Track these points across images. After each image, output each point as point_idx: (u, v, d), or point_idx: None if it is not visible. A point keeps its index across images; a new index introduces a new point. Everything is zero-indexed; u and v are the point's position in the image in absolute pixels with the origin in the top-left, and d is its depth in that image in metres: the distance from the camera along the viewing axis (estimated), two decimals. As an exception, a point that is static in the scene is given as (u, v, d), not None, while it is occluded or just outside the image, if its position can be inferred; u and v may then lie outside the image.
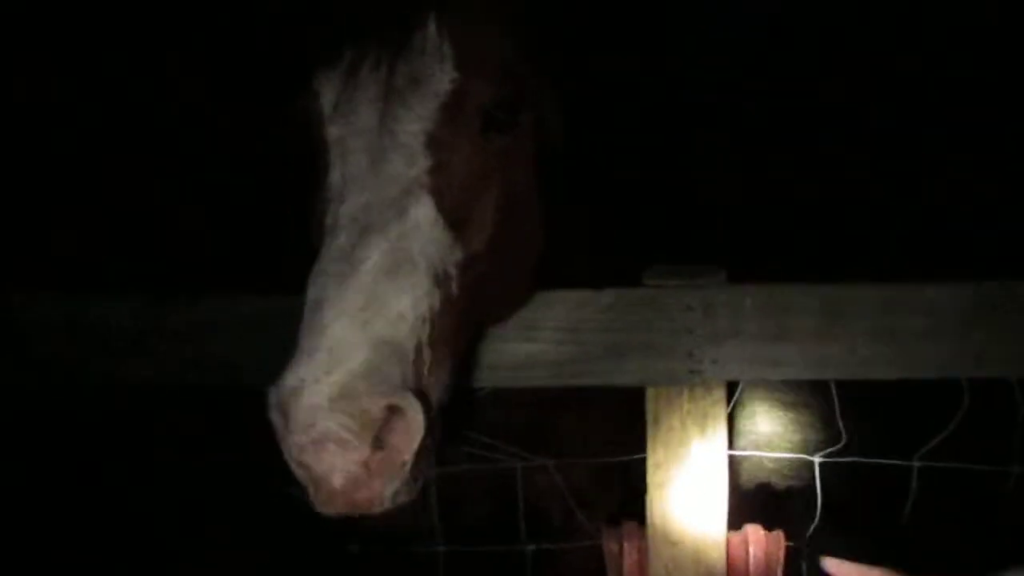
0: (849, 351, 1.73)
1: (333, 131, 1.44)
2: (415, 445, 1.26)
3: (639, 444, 1.82)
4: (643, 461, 1.82)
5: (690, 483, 1.81)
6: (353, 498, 1.26)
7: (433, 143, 1.41)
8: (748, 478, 1.86)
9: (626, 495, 1.94)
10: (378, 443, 1.24)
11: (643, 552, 1.89)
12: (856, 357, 1.73)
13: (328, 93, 1.47)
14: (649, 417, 1.78)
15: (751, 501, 1.74)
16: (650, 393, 1.77)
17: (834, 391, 1.76)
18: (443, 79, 1.43)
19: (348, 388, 1.21)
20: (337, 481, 1.22)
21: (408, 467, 1.28)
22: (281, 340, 1.73)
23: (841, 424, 1.77)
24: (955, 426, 1.69)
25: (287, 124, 1.56)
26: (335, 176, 1.43)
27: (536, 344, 1.75)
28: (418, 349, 1.30)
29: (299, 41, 1.57)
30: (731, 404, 1.81)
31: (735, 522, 1.86)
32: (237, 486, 2.38)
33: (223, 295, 1.81)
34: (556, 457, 1.98)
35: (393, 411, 1.25)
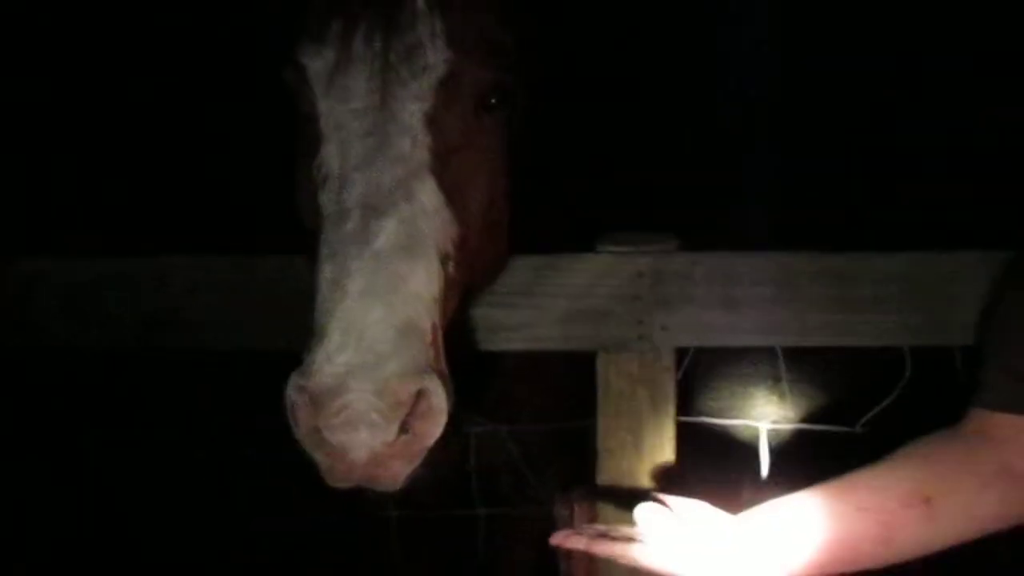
0: (798, 320, 1.75)
1: (325, 106, 1.42)
2: (438, 430, 1.29)
3: (590, 410, 1.83)
4: (593, 427, 1.83)
5: (639, 449, 1.83)
6: (372, 476, 1.28)
7: (432, 123, 1.41)
8: (697, 444, 1.88)
9: (577, 461, 1.95)
10: (403, 426, 1.26)
11: (593, 517, 1.91)
12: (805, 325, 1.75)
13: (317, 66, 1.44)
14: (599, 382, 1.80)
15: (700, 467, 1.75)
16: (600, 358, 1.78)
17: (781, 359, 1.78)
18: (438, 56, 1.42)
19: (379, 372, 1.22)
20: (360, 461, 1.24)
21: (427, 450, 1.30)
22: (248, 302, 1.77)
23: (787, 391, 1.79)
24: (897, 394, 1.72)
25: (267, 95, 1.54)
26: (330, 153, 1.41)
27: (493, 309, 1.76)
28: (434, 329, 1.32)
29: (282, 10, 1.54)
30: (680, 371, 1.82)
31: (684, 488, 1.88)
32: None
33: (189, 256, 1.80)
34: (508, 423, 1.99)
35: (420, 395, 1.26)
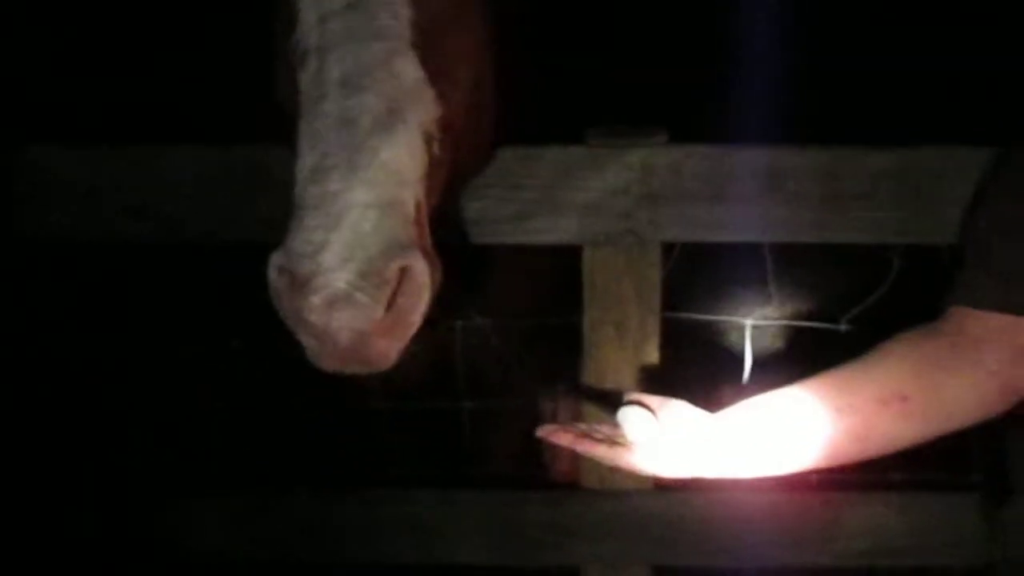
0: (788, 216, 1.74)
1: None
2: (422, 306, 1.27)
3: (576, 303, 1.83)
4: (579, 321, 1.84)
5: (623, 344, 1.83)
6: (360, 356, 1.26)
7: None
8: (683, 341, 1.89)
9: (562, 355, 1.96)
10: (388, 304, 1.24)
11: (577, 413, 1.93)
12: (794, 222, 1.74)
13: None
14: (585, 277, 1.79)
15: (685, 364, 1.75)
16: (586, 252, 1.77)
17: (767, 255, 1.77)
18: None
19: (361, 250, 1.20)
20: (346, 341, 1.22)
21: (414, 327, 1.29)
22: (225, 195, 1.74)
23: (772, 288, 1.79)
24: (883, 292, 1.72)
25: None
26: (307, 29, 1.34)
27: (478, 201, 1.74)
28: (418, 208, 1.29)
29: None
30: (667, 266, 1.82)
31: (667, 385, 1.90)
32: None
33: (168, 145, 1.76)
34: (494, 316, 2.00)
35: (403, 272, 1.24)
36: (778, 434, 1.41)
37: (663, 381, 1.85)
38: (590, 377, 1.86)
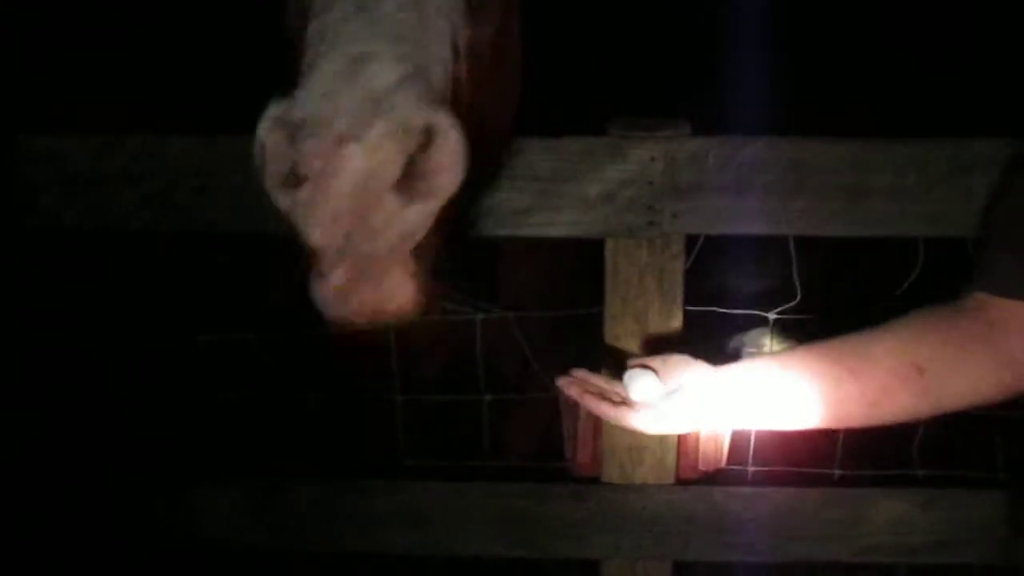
0: (812, 208, 1.72)
1: None
2: (456, 180, 1.03)
3: (598, 297, 1.82)
4: (601, 314, 1.83)
5: (645, 337, 1.82)
6: (378, 271, 1.03)
7: None
8: (703, 334, 1.88)
9: (583, 348, 1.95)
10: (406, 189, 1.00)
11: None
12: (818, 214, 1.73)
13: None
14: (607, 269, 1.78)
15: (705, 357, 1.74)
16: (609, 245, 1.76)
17: (792, 248, 1.76)
18: None
19: (385, 99, 0.98)
20: (347, 193, 0.95)
21: (434, 219, 1.06)
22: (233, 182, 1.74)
23: (797, 281, 1.78)
24: (909, 285, 1.70)
25: None
26: None
27: (500, 193, 1.72)
28: (449, 72, 1.10)
29: None
30: (690, 260, 1.81)
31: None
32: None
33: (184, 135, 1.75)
34: (513, 309, 1.99)
35: (430, 133, 1.01)
36: (783, 388, 1.44)
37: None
38: (610, 369, 1.85)
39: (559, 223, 1.74)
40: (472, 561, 2.12)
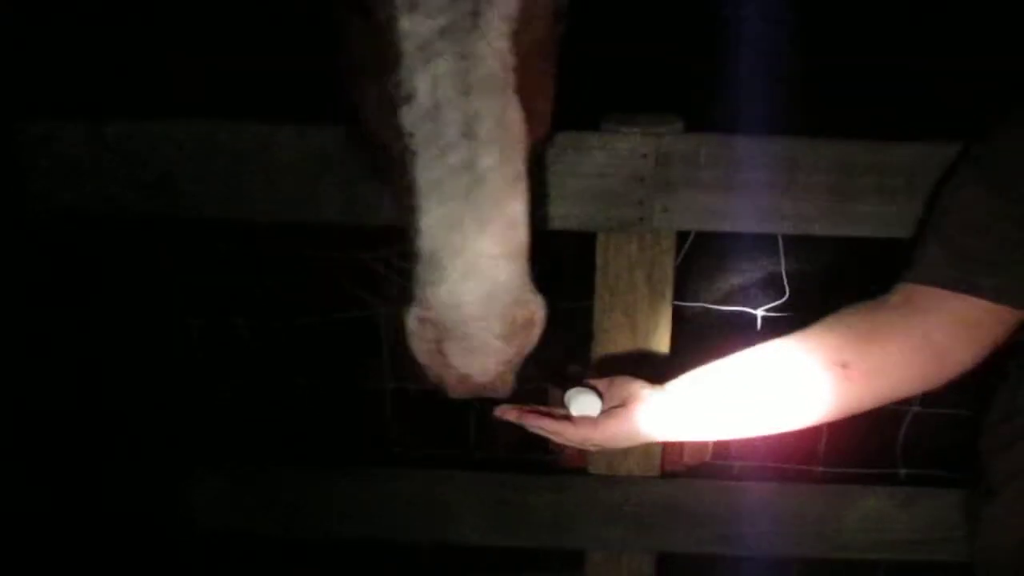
0: (800, 207, 1.74)
1: (409, 24, 1.33)
2: (537, 337, 1.38)
3: (588, 290, 1.84)
4: (590, 308, 1.85)
5: (634, 331, 1.84)
6: (488, 388, 1.38)
7: (517, 39, 1.35)
8: (692, 330, 1.90)
9: (572, 342, 1.97)
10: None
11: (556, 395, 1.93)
12: (807, 213, 1.75)
13: None
14: (597, 263, 1.80)
15: (694, 353, 1.76)
16: (600, 239, 1.78)
17: (781, 246, 1.78)
18: None
19: (499, 302, 1.29)
20: (479, 379, 1.35)
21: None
22: (226, 166, 1.75)
23: (785, 279, 1.80)
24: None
25: None
26: (414, 73, 1.34)
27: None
28: (529, 244, 1.36)
29: None
30: (680, 255, 1.83)
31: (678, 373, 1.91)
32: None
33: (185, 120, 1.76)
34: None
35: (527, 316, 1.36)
36: (721, 401, 1.49)
37: (671, 369, 1.87)
38: (600, 363, 1.87)
39: (551, 217, 1.75)
40: (462, 549, 2.14)
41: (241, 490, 2.10)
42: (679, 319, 1.87)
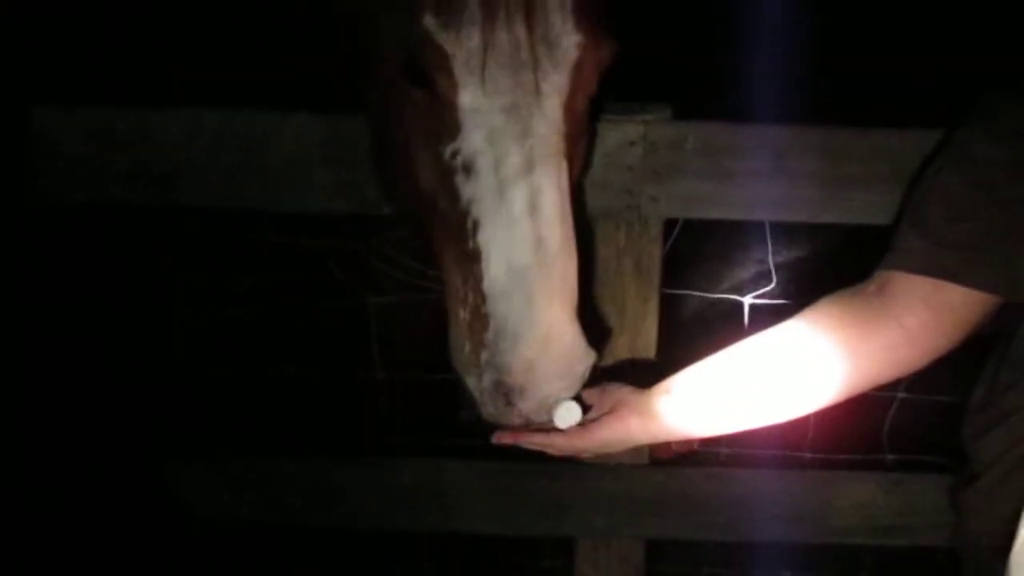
0: (789, 194, 1.75)
1: (469, 97, 1.39)
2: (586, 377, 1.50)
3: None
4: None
5: (622, 320, 1.85)
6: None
7: (568, 110, 1.43)
8: (680, 317, 1.90)
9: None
10: None
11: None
12: (795, 200, 1.76)
13: (460, 52, 1.37)
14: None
15: (683, 341, 1.77)
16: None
17: (768, 233, 1.78)
18: (571, 42, 1.40)
19: (566, 362, 1.41)
20: (536, 418, 1.47)
21: None
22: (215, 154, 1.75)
23: (772, 267, 1.80)
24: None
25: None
26: (475, 146, 1.40)
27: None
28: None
29: None
30: (668, 244, 1.83)
31: (666, 361, 1.92)
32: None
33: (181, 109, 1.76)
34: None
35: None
36: (705, 402, 1.52)
37: (660, 357, 1.88)
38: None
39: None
40: (455, 536, 2.15)
41: (238, 480, 2.10)
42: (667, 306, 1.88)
